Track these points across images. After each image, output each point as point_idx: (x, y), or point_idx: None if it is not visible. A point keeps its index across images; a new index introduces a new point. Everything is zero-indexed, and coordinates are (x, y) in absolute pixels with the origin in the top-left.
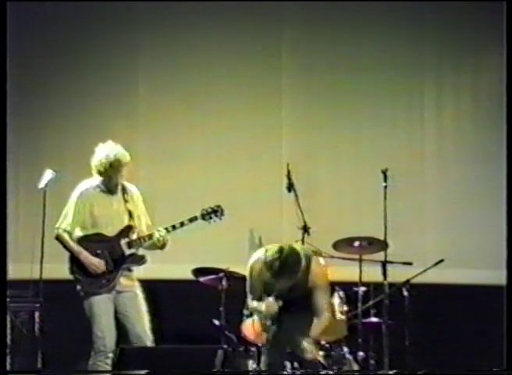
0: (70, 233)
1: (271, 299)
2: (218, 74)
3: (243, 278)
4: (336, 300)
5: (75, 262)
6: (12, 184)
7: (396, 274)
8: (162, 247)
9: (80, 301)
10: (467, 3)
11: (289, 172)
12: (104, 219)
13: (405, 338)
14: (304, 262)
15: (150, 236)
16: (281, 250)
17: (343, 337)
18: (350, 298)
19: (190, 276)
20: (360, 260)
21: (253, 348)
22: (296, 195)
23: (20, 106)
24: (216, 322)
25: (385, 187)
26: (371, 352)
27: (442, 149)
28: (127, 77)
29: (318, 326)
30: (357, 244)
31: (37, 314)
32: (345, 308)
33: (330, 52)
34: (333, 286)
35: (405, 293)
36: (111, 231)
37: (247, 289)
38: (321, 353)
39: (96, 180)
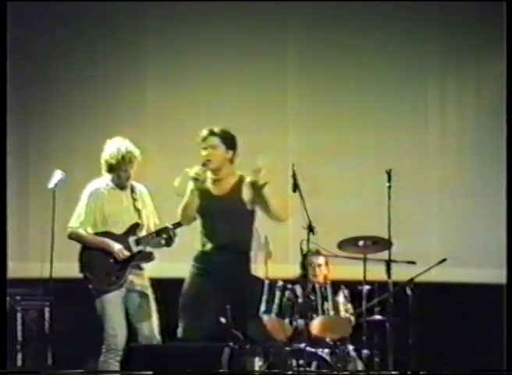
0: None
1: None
2: (224, 73)
3: None
4: (341, 298)
5: (84, 260)
6: (21, 185)
7: (400, 273)
8: (169, 244)
9: (89, 300)
10: (470, 4)
11: (294, 173)
12: (114, 217)
13: (409, 336)
14: None
15: (157, 233)
16: None
17: (348, 335)
18: (355, 297)
19: None
20: (365, 259)
21: (259, 346)
22: (301, 195)
23: (29, 107)
24: (223, 320)
25: (389, 187)
26: (375, 350)
27: (445, 149)
28: (135, 77)
29: None
30: (361, 243)
31: (47, 312)
32: (349, 306)
33: (335, 53)
34: (338, 284)
35: (409, 291)
36: (120, 229)
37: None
38: (326, 351)
39: (106, 178)
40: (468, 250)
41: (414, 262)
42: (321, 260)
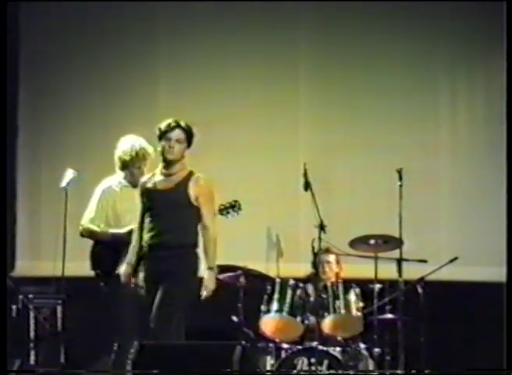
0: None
1: None
2: (236, 72)
3: (261, 275)
4: (352, 297)
5: (96, 257)
6: (34, 183)
7: (411, 271)
8: None
9: (101, 298)
10: (479, 4)
11: (305, 171)
12: (126, 215)
13: (420, 334)
14: None
15: None
16: None
17: (359, 334)
18: (366, 295)
19: None
20: (376, 258)
21: (270, 344)
22: (312, 194)
23: (41, 106)
24: (235, 318)
25: (401, 185)
26: (386, 348)
27: (456, 148)
28: (147, 75)
29: None
30: (372, 242)
31: (59, 310)
32: (361, 304)
33: (346, 51)
34: (349, 283)
35: (420, 290)
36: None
37: None
38: (337, 349)
39: (118, 176)
40: (479, 248)
41: (425, 261)
42: (332, 258)
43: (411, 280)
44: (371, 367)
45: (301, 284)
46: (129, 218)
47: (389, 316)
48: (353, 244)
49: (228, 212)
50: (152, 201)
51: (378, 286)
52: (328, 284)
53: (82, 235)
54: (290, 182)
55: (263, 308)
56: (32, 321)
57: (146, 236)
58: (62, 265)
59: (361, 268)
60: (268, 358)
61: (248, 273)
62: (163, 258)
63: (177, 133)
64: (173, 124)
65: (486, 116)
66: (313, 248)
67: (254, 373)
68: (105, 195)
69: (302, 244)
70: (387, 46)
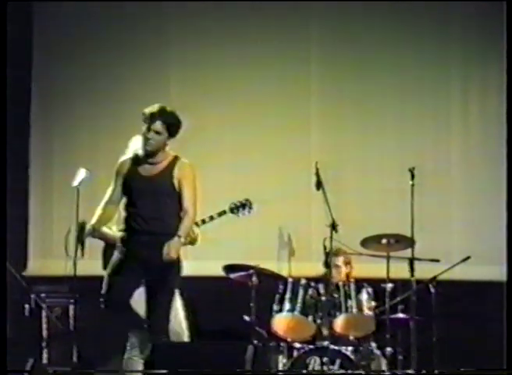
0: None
1: None
2: (248, 71)
3: (273, 275)
4: (364, 296)
5: (108, 257)
6: (46, 183)
7: (423, 271)
8: (193, 242)
9: None
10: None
11: (317, 170)
12: None
13: (432, 334)
14: None
15: None
16: None
17: (371, 333)
18: (378, 295)
19: (219, 272)
20: (388, 257)
21: (282, 344)
22: (324, 193)
23: (54, 106)
24: (247, 318)
25: (413, 185)
26: (398, 348)
27: (468, 147)
28: (159, 75)
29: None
30: (384, 241)
31: (71, 309)
32: (373, 304)
33: (358, 50)
34: (361, 282)
35: (432, 289)
36: None
37: None
38: (349, 348)
39: None
40: (492, 248)
41: (437, 260)
42: (340, 262)
43: (423, 280)
44: (383, 366)
45: (313, 284)
46: None
47: (401, 315)
48: (365, 243)
49: (239, 211)
50: (137, 187)
51: (390, 285)
52: (340, 284)
53: (93, 236)
54: (302, 181)
55: (275, 307)
56: (44, 320)
57: (132, 222)
58: (73, 263)
59: (373, 267)
60: (281, 357)
61: (260, 273)
62: (146, 245)
63: (156, 125)
64: (155, 114)
65: (499, 115)
66: (325, 247)
67: (266, 373)
68: None
69: (314, 244)
70: (399, 45)
